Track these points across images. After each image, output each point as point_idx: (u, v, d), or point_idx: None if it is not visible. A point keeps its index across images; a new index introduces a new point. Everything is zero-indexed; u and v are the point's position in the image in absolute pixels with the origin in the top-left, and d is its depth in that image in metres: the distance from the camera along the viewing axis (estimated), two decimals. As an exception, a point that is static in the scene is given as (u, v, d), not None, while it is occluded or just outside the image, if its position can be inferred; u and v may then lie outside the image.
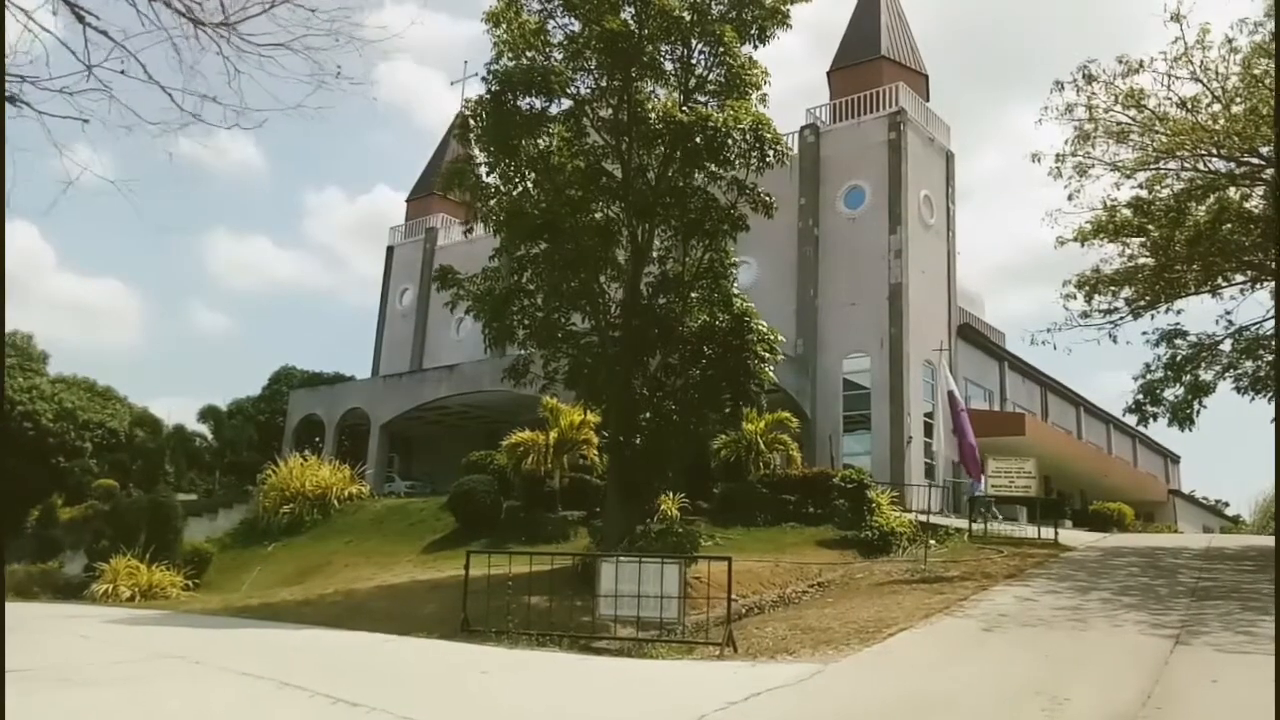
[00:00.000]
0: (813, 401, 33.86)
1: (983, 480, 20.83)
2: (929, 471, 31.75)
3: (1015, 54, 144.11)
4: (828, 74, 37.83)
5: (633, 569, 10.36)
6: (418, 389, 37.77)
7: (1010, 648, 9.71)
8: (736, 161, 14.21)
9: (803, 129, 36.24)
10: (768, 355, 14.62)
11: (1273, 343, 19.08)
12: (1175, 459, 60.57)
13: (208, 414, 42.66)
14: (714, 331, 14.38)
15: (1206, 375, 19.32)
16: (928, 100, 37.52)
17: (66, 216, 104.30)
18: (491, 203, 14.76)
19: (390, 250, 50.88)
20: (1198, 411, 18.99)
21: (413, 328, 47.39)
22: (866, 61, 36.48)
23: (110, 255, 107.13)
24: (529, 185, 14.79)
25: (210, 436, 42.88)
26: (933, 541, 21.81)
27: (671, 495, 23.28)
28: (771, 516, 23.07)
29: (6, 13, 5.62)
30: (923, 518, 23.33)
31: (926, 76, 38.04)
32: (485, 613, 11.35)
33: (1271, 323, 19.37)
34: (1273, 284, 18.61)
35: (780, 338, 15.52)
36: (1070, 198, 19.03)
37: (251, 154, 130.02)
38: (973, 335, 37.52)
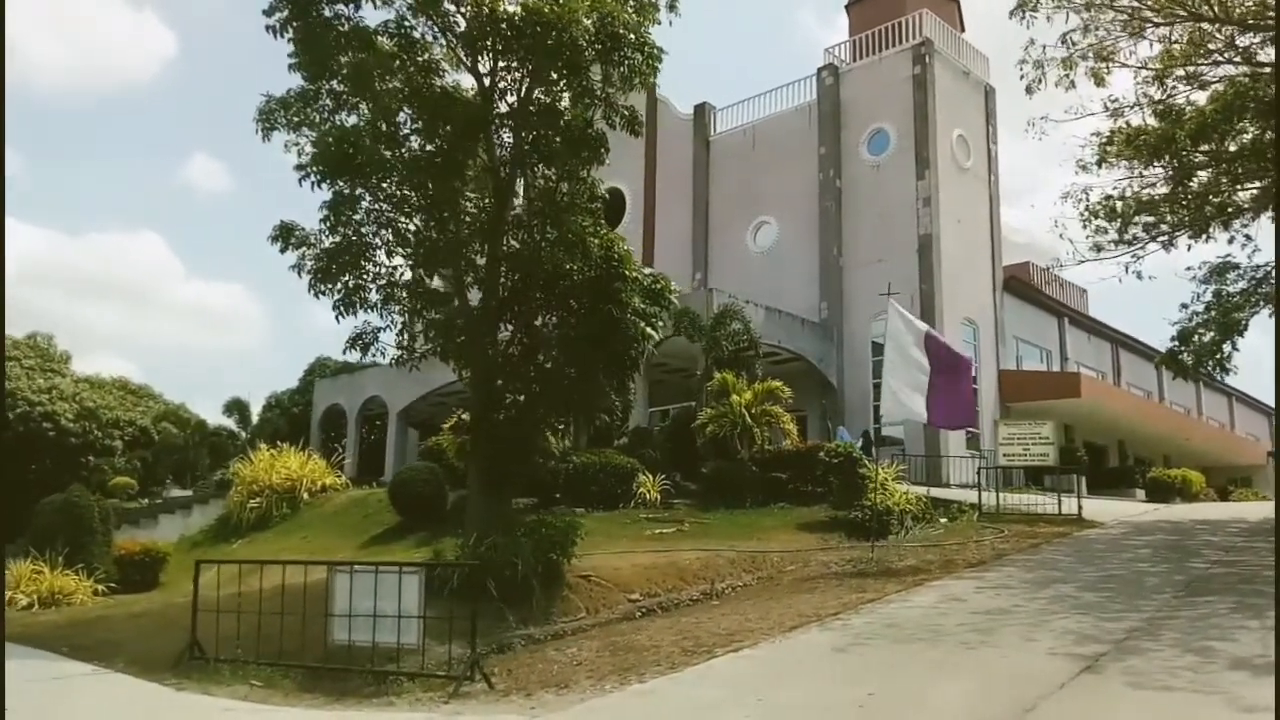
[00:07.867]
0: (839, 369, 30.71)
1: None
2: (972, 441, 28.23)
3: None
4: (846, 8, 34.27)
5: (369, 581, 8.00)
6: (428, 374, 35.61)
7: (829, 683, 7.01)
8: (592, 69, 11.58)
9: (820, 71, 32.83)
10: (649, 310, 11.94)
11: None
12: (1285, 418, 54.54)
13: (233, 407, 41.88)
14: (580, 282, 11.74)
15: (1238, 313, 15.55)
16: (961, 30, 33.57)
17: (191, 227, 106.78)
18: (314, 137, 12.40)
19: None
20: (1229, 355, 15.34)
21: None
22: (888, -11, 32.75)
23: (231, 260, 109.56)
24: (361, 111, 12.41)
25: (236, 430, 42.08)
26: (944, 519, 19.08)
27: (652, 477, 21.03)
28: (762, 496, 20.65)
29: None
30: (928, 491, 20.43)
31: (958, 3, 34.08)
32: (257, 638, 9.21)
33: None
34: None
35: (674, 286, 12.81)
36: (1029, 90, 15.32)
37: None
38: (1023, 290, 33.48)
